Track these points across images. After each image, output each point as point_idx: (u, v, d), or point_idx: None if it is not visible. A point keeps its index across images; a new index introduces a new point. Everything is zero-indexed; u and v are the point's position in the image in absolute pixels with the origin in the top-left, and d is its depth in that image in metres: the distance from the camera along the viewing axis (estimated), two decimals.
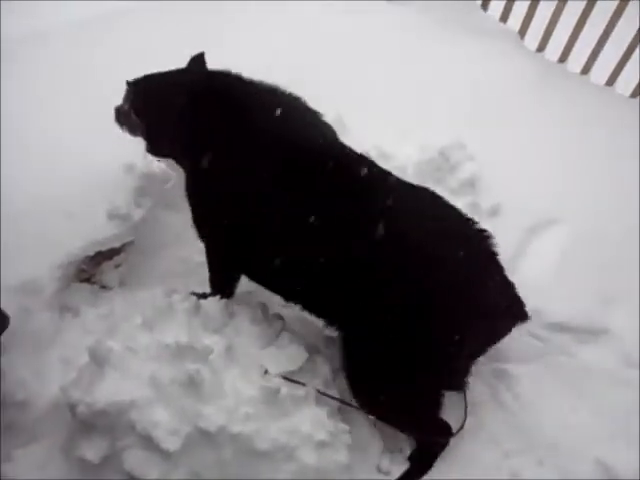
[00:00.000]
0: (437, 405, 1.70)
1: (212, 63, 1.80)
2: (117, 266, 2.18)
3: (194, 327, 1.75)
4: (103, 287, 2.13)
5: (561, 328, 1.99)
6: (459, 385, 1.75)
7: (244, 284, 1.94)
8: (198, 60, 1.85)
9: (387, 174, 1.68)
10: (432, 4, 2.81)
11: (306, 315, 2.01)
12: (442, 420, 1.74)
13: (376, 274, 1.56)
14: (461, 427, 1.76)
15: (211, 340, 1.69)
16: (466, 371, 1.72)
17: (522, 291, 2.00)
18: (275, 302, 1.97)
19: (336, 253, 1.57)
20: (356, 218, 1.58)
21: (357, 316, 1.62)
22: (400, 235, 1.54)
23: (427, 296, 1.53)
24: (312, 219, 1.57)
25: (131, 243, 2.19)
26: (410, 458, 1.79)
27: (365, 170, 1.63)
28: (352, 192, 1.60)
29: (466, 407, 1.79)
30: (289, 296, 1.78)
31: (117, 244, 2.13)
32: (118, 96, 1.86)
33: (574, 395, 1.89)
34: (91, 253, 2.05)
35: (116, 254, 2.17)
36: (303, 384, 1.67)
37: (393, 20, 2.67)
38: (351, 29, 2.53)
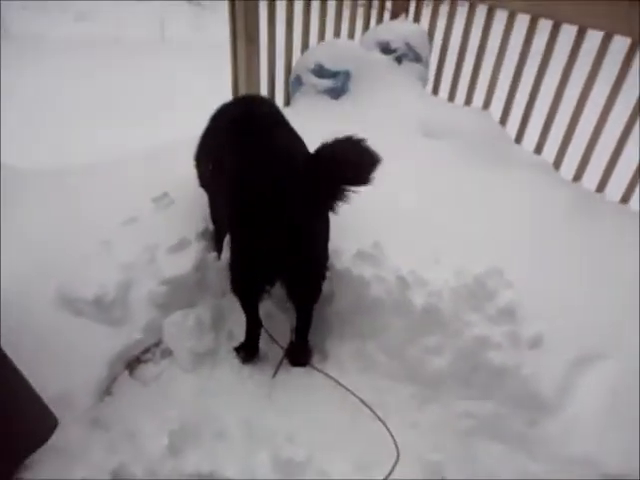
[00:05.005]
0: None
1: None
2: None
3: (218, 454, 1.71)
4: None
5: None
6: None
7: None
8: None
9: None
10: (464, 139, 2.98)
11: None
12: None
13: None
14: None
15: (234, 471, 1.63)
16: None
17: (569, 435, 1.84)
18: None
19: None
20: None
21: None
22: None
23: None
24: None
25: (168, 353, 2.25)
26: None
27: None
28: None
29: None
30: None
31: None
32: None
33: None
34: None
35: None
36: None
37: (427, 154, 2.84)
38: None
